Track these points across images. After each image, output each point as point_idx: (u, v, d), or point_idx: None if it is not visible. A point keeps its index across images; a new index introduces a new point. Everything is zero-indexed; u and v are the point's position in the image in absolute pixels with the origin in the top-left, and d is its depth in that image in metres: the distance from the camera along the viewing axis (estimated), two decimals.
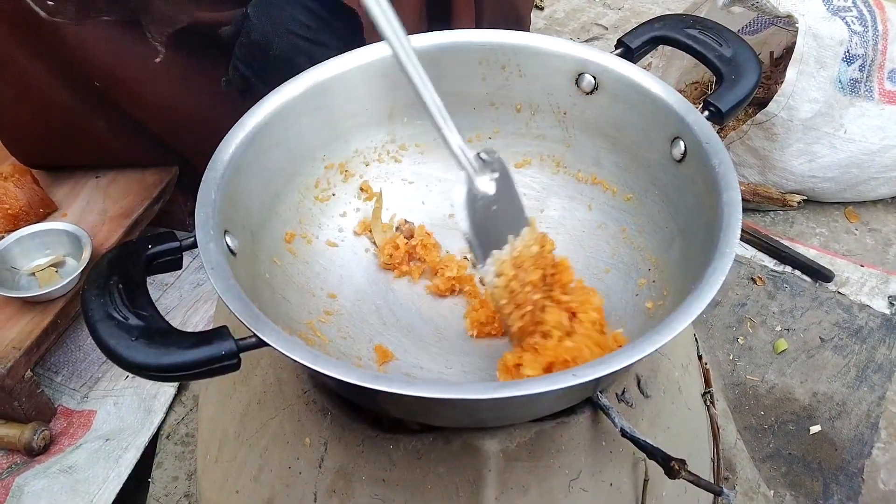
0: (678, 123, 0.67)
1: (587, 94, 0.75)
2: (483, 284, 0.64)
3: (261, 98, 0.69)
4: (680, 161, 0.67)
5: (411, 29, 0.78)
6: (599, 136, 0.76)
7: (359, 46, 0.75)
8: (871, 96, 1.39)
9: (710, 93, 1.67)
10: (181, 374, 0.50)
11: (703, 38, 0.72)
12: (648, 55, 0.86)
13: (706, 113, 0.67)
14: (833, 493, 1.08)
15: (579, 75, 0.74)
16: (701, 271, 0.55)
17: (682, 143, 0.66)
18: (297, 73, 0.71)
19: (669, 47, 1.73)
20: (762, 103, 1.42)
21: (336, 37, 1.00)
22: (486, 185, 0.61)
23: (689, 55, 0.73)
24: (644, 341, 0.49)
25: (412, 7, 1.09)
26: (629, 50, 0.74)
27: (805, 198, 1.50)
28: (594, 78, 0.73)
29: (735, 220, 0.56)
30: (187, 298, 1.27)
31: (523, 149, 0.81)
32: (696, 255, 0.62)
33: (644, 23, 0.76)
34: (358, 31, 0.99)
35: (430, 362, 0.69)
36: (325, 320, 0.71)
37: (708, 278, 0.53)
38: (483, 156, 0.61)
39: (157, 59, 1.01)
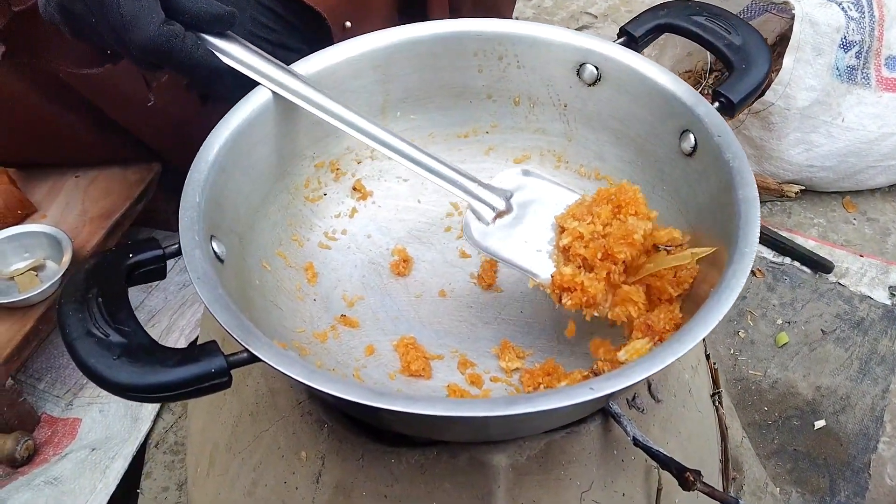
0: (687, 115, 0.63)
1: (589, 85, 0.71)
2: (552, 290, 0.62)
3: (224, 102, 0.65)
4: (690, 155, 0.64)
5: (384, 24, 0.75)
6: (603, 130, 0.73)
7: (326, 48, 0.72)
8: (868, 84, 1.36)
9: (704, 82, 1.66)
10: (168, 395, 0.46)
11: (710, 25, 0.68)
12: None
13: (716, 104, 0.64)
14: (840, 489, 1.06)
15: (581, 66, 0.71)
16: (717, 272, 0.52)
17: (692, 137, 0.63)
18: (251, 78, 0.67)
19: (662, 36, 1.71)
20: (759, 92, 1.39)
21: (299, 38, 0.97)
22: (495, 201, 0.63)
23: (685, 41, 0.70)
24: (665, 350, 0.46)
25: (386, 2, 1.05)
26: (633, 39, 0.71)
27: (803, 188, 1.48)
28: (596, 68, 0.70)
29: (754, 217, 0.53)
30: (173, 300, 1.23)
31: (523, 143, 0.78)
32: (709, 255, 0.59)
33: (647, 10, 0.73)
34: (325, 35, 0.95)
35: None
36: (320, 326, 0.68)
37: (728, 280, 0.50)
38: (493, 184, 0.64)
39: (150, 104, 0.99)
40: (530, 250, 0.64)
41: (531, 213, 0.66)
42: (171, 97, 1.05)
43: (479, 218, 0.66)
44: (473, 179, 0.66)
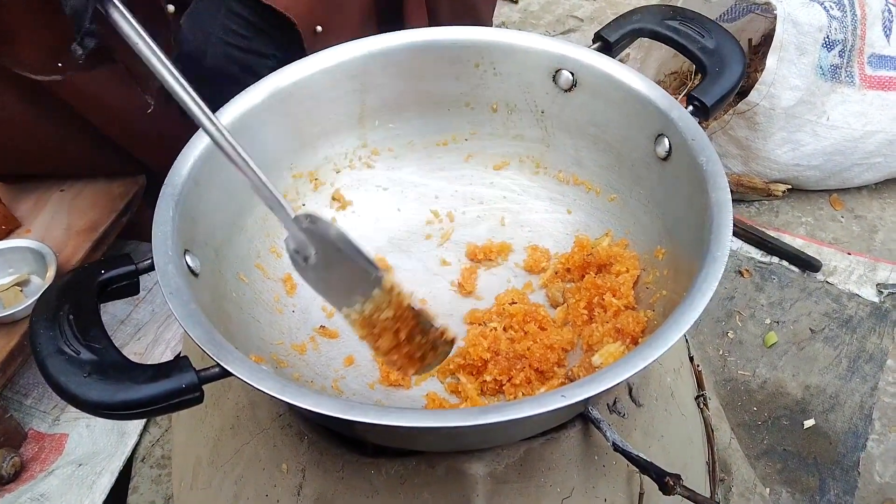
0: (661, 120, 0.64)
1: (565, 91, 0.72)
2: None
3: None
4: (665, 159, 0.64)
5: (358, 32, 0.74)
6: (580, 135, 0.73)
7: (299, 55, 0.71)
8: (852, 82, 1.37)
9: (689, 83, 1.66)
10: (139, 411, 0.46)
11: (684, 29, 0.69)
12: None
13: (690, 108, 0.64)
14: (829, 488, 1.06)
15: (556, 72, 0.71)
16: (691, 277, 0.52)
17: (666, 141, 0.63)
18: (232, 84, 0.67)
19: (647, 38, 1.71)
20: (743, 92, 1.39)
21: (272, 45, 0.97)
22: (306, 247, 0.56)
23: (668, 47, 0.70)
24: (636, 356, 0.46)
25: (360, 8, 1.05)
26: (607, 44, 0.71)
27: (789, 187, 1.48)
28: (572, 74, 0.70)
29: (726, 221, 0.53)
30: (160, 313, 1.22)
31: (501, 150, 0.78)
32: (685, 258, 0.59)
33: (622, 15, 0.73)
34: (296, 40, 0.95)
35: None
36: (298, 337, 0.68)
37: (700, 285, 0.50)
38: (305, 223, 0.56)
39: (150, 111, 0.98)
40: (339, 297, 0.58)
41: (339, 271, 0.58)
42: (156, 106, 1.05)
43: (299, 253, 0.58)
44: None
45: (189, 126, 0.63)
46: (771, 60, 1.32)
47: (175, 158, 0.61)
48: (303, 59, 0.70)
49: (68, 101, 1.06)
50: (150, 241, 0.55)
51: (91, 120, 1.10)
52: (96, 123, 1.10)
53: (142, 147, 1.17)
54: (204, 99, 0.65)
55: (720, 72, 0.65)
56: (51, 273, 1.06)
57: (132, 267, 0.55)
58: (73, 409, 1.11)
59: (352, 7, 1.00)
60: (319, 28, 0.95)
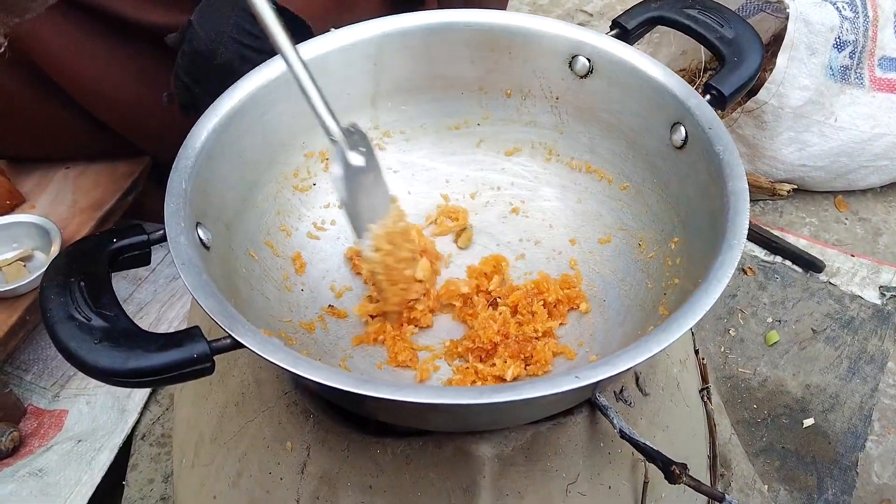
0: (679, 108, 0.63)
1: (581, 77, 0.71)
2: (363, 262, 0.65)
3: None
4: (680, 148, 0.63)
5: (377, 12, 0.74)
6: (594, 122, 0.73)
7: None
8: (861, 84, 1.36)
9: (699, 80, 1.66)
10: (149, 380, 0.46)
11: (703, 18, 0.68)
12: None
13: (707, 97, 0.63)
14: (827, 487, 1.06)
15: (573, 58, 0.71)
16: (707, 265, 0.52)
17: (682, 129, 0.63)
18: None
19: (657, 34, 1.71)
20: (752, 90, 1.39)
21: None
22: (356, 158, 0.60)
23: (679, 39, 0.70)
24: (651, 340, 0.46)
25: (374, 7, 1.05)
26: (625, 31, 0.71)
27: (795, 187, 1.48)
28: (589, 60, 0.70)
29: (743, 210, 0.53)
30: (162, 293, 1.22)
31: (514, 136, 0.78)
32: (699, 248, 0.58)
33: (640, 2, 0.73)
34: (308, 39, 0.95)
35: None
36: (307, 316, 0.67)
37: (716, 272, 0.49)
38: (351, 129, 0.61)
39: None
40: (365, 214, 0.63)
41: (371, 185, 0.63)
42: (153, 94, 1.05)
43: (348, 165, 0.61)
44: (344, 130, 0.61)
45: (192, 122, 0.63)
46: (781, 59, 1.32)
47: (176, 150, 0.61)
48: (318, 37, 0.70)
49: (73, 94, 1.06)
50: (154, 221, 0.55)
51: (94, 113, 1.10)
52: (100, 116, 1.10)
53: (146, 140, 1.16)
54: (214, 93, 0.65)
55: (738, 62, 0.64)
56: (55, 249, 1.06)
57: (144, 237, 0.54)
58: (73, 385, 1.12)
59: (366, 7, 1.00)
60: (333, 29, 0.95)
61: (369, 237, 0.62)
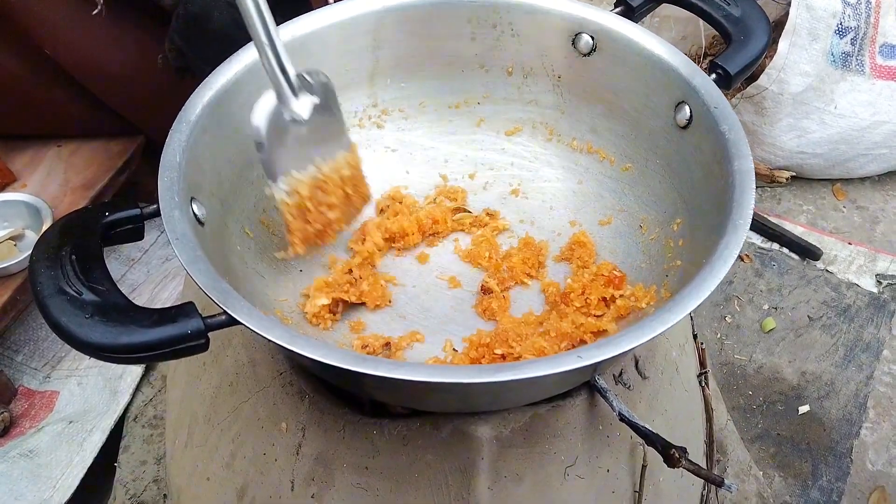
0: (683, 87, 0.62)
1: (584, 55, 0.70)
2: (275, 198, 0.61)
3: (199, 76, 0.63)
4: (685, 127, 0.62)
5: None
6: (596, 102, 0.71)
7: None
8: (862, 71, 1.35)
9: (700, 65, 1.65)
10: (142, 356, 0.45)
11: None
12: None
13: (713, 76, 0.62)
14: (822, 473, 1.06)
15: (576, 35, 0.69)
16: (711, 245, 0.51)
17: (687, 109, 0.62)
18: (236, 49, 0.64)
19: (657, 18, 1.69)
20: (752, 76, 1.38)
21: (279, 13, 0.94)
22: (301, 107, 0.58)
23: (680, 24, 0.69)
24: (654, 320, 0.45)
25: None
26: (630, 9, 0.69)
27: (793, 174, 1.47)
28: (592, 38, 0.69)
29: (749, 189, 0.52)
30: (155, 274, 1.20)
31: (514, 115, 0.76)
32: (703, 229, 0.57)
33: None
34: (305, 7, 0.93)
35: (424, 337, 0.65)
36: (303, 296, 0.66)
37: (721, 252, 0.49)
38: (306, 76, 0.58)
39: (95, 11, 0.96)
40: (288, 161, 0.60)
41: (313, 134, 0.61)
42: (147, 67, 1.03)
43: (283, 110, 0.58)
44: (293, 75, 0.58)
45: (180, 89, 0.61)
46: (783, 45, 1.31)
47: (168, 122, 0.59)
48: (317, 10, 0.68)
49: (67, 68, 1.04)
50: (148, 201, 0.53)
51: (89, 87, 1.08)
52: (95, 91, 1.09)
53: (140, 114, 1.15)
54: (207, 57, 0.63)
55: (745, 41, 0.63)
56: (46, 228, 1.04)
57: (137, 211, 0.53)
58: (65, 366, 1.11)
59: None
60: (331, 2, 0.93)
61: (285, 183, 0.59)
